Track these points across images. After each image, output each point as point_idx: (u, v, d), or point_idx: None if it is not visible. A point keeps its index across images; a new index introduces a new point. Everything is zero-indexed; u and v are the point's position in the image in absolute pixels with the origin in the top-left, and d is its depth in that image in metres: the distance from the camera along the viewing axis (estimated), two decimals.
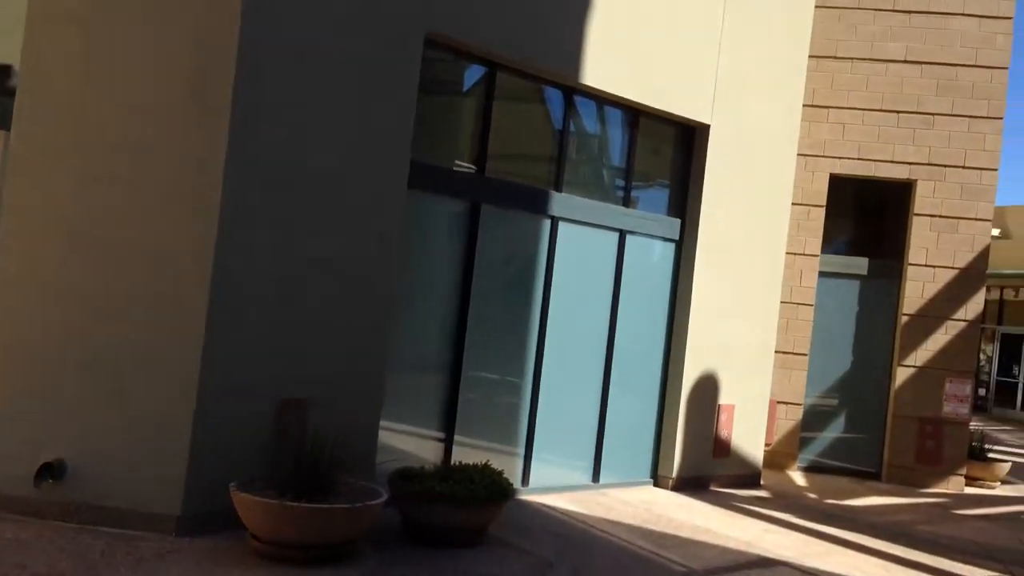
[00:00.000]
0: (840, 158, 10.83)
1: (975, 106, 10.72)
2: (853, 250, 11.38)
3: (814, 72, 10.59)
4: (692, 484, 8.86)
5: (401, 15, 6.56)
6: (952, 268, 10.71)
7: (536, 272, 7.94)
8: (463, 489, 5.94)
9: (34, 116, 5.95)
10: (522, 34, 7.41)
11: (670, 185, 9.11)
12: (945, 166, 10.74)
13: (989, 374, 24.68)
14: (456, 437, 7.35)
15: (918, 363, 10.70)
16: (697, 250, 8.84)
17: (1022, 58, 43.03)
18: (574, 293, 8.18)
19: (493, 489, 6.11)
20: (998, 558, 7.49)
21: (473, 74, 7.60)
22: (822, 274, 10.88)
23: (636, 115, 8.62)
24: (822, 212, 10.80)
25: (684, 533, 7.18)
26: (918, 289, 10.76)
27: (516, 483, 7.60)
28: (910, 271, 10.79)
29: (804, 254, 10.72)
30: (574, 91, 8.08)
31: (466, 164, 7.55)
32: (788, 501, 8.99)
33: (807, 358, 10.72)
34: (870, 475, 10.84)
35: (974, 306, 10.71)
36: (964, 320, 10.70)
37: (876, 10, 10.85)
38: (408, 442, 7.14)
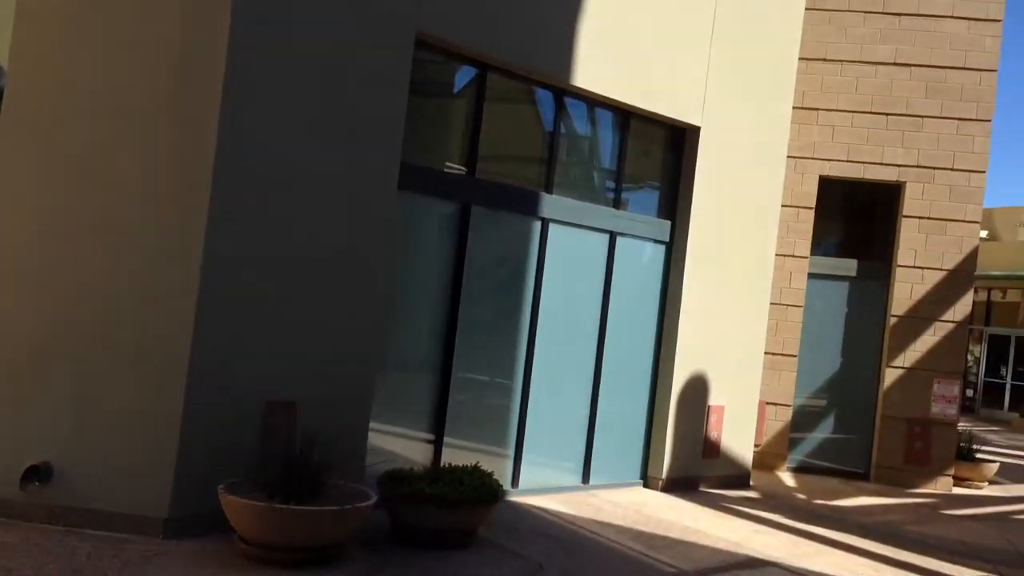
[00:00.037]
0: (830, 160, 10.87)
1: (964, 108, 10.78)
2: (842, 252, 11.42)
3: (804, 74, 10.63)
4: (682, 485, 8.87)
5: (392, 15, 6.54)
6: (940, 270, 10.76)
7: (526, 273, 7.94)
8: (452, 491, 5.93)
9: (22, 114, 5.93)
10: (513, 36, 7.40)
11: (660, 187, 9.12)
12: (934, 168, 10.79)
13: (977, 375, 24.82)
14: (446, 439, 7.34)
15: (906, 364, 10.75)
16: (687, 252, 8.86)
17: (1006, 62, 43.28)
18: (564, 295, 8.18)
19: (482, 491, 6.10)
20: (986, 558, 7.52)
21: (464, 75, 7.59)
22: (811, 276, 10.92)
23: (626, 117, 8.62)
24: (811, 214, 10.83)
25: (674, 534, 7.19)
26: (907, 290, 10.81)
27: (506, 484, 7.59)
28: (899, 273, 10.84)
29: (793, 256, 10.75)
30: (565, 93, 8.08)
31: (457, 166, 7.54)
32: (777, 502, 9.01)
33: (796, 359, 10.75)
34: (859, 475, 10.89)
35: (962, 307, 10.76)
36: (952, 321, 10.75)
37: (866, 12, 10.89)
38: (397, 444, 7.12)
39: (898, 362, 10.77)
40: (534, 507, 7.52)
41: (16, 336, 5.80)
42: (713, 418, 9.13)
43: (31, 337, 5.80)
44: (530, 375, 7.91)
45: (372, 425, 6.68)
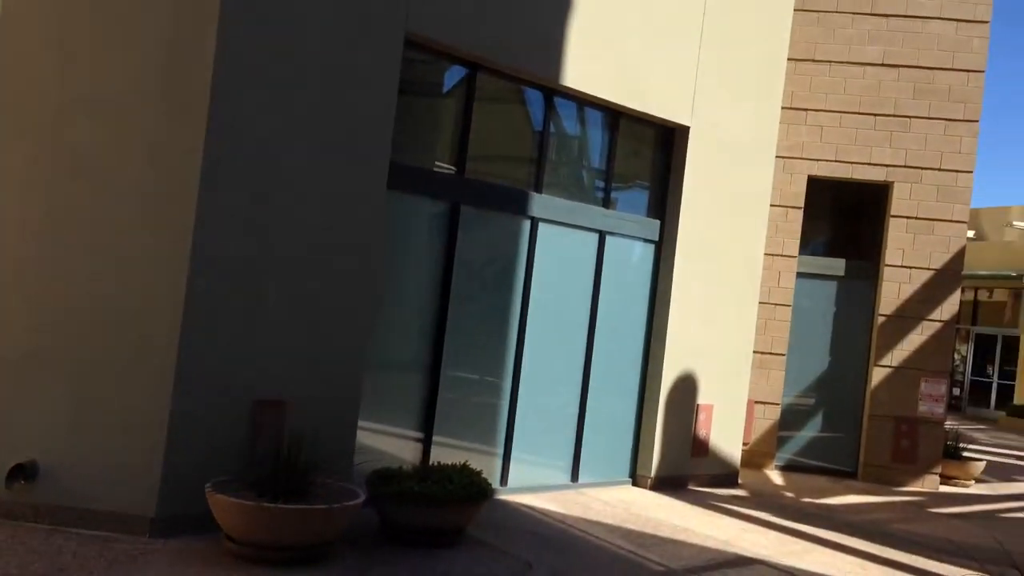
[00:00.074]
0: (818, 160, 10.91)
1: (951, 109, 10.83)
2: (830, 251, 11.47)
3: (793, 75, 10.66)
4: (670, 483, 8.89)
5: (381, 15, 6.53)
6: (928, 269, 10.82)
7: (516, 273, 7.94)
8: (441, 489, 5.93)
9: (10, 114, 5.89)
10: (503, 36, 7.40)
11: (650, 186, 9.14)
12: (921, 168, 10.85)
13: (963, 374, 24.97)
14: (435, 437, 7.33)
15: (894, 363, 10.80)
16: (676, 251, 8.88)
17: (994, 63, 43.56)
18: (554, 294, 8.18)
19: (471, 489, 6.10)
20: (973, 556, 7.56)
21: (453, 75, 7.59)
22: (800, 275, 10.96)
23: (616, 117, 8.63)
24: (800, 213, 10.87)
25: (663, 532, 7.20)
26: (894, 290, 10.86)
27: (495, 483, 7.59)
28: (886, 272, 10.89)
29: (782, 255, 10.79)
30: (554, 92, 8.08)
31: (446, 165, 7.53)
32: (765, 500, 9.04)
33: (784, 358, 10.79)
34: (846, 474, 10.93)
35: (949, 307, 10.82)
36: (939, 320, 10.81)
37: (854, 14, 10.94)
38: (386, 442, 7.11)
39: (886, 361, 10.82)
40: (523, 505, 7.53)
41: (3, 336, 5.77)
42: (702, 417, 9.16)
43: (19, 337, 5.76)
44: (519, 374, 7.92)
45: (361, 424, 6.67)
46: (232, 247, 5.84)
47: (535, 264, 8.00)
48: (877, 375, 10.83)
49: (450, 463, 6.45)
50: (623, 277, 8.77)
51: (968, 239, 11.54)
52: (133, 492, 5.55)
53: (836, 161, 10.90)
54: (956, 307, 10.90)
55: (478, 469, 6.46)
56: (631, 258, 8.91)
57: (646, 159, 9.14)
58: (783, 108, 10.30)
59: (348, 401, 6.51)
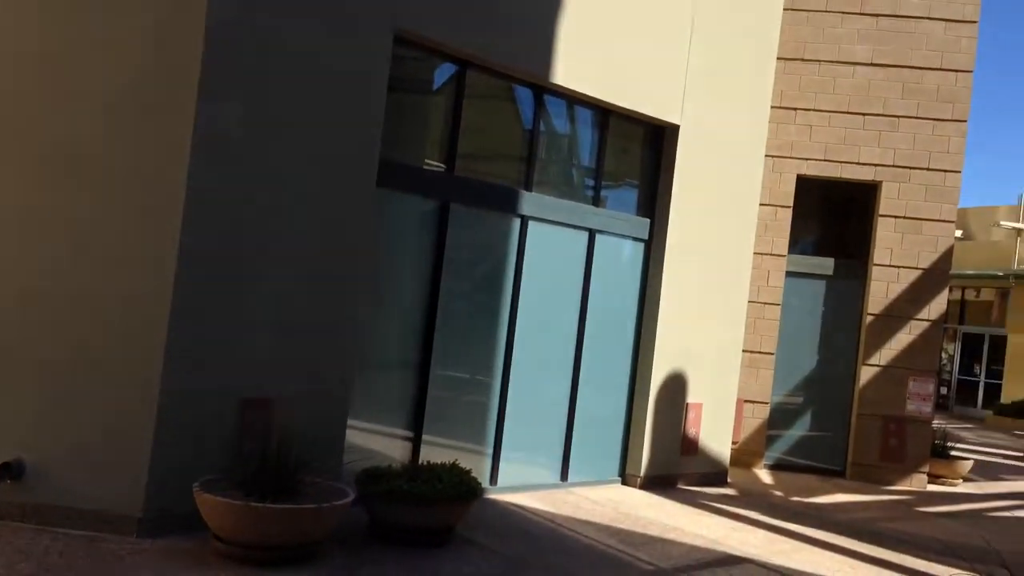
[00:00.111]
0: (807, 159, 10.93)
1: (940, 109, 10.87)
2: (819, 250, 11.50)
3: (782, 74, 10.68)
4: (660, 482, 8.89)
5: (370, 11, 6.50)
6: (916, 268, 10.86)
7: (505, 271, 7.92)
8: (430, 488, 5.91)
9: None
10: (492, 33, 7.38)
11: (639, 185, 9.14)
12: (910, 168, 10.89)
13: (951, 373, 25.10)
14: (424, 436, 7.31)
15: (882, 362, 10.84)
16: (666, 250, 8.88)
17: (982, 63, 43.80)
18: (543, 292, 8.17)
19: (461, 488, 6.09)
20: (962, 555, 7.59)
21: (443, 73, 7.57)
22: (789, 274, 10.98)
23: (606, 115, 8.63)
24: (789, 212, 10.89)
25: (652, 531, 7.20)
26: (883, 289, 10.90)
27: (484, 482, 7.57)
28: (875, 271, 10.93)
29: (771, 254, 10.81)
30: (544, 90, 8.06)
31: (436, 163, 7.51)
32: (755, 499, 9.06)
33: (774, 357, 10.81)
34: (835, 473, 10.97)
35: (937, 306, 10.86)
36: (927, 320, 10.85)
37: (843, 13, 10.97)
38: (376, 441, 7.09)
39: (874, 360, 10.85)
40: (513, 505, 7.51)
41: None
42: (691, 416, 9.16)
43: (3, 336, 5.71)
44: (509, 372, 7.90)
45: (350, 423, 6.64)
46: (219, 244, 5.80)
47: (525, 262, 7.98)
48: (865, 374, 10.87)
49: (440, 462, 6.43)
50: (613, 275, 8.77)
51: (956, 239, 11.59)
52: (120, 491, 5.51)
53: (825, 160, 10.92)
54: (944, 306, 10.94)
55: (468, 468, 6.45)
56: (621, 256, 8.90)
57: (636, 157, 9.14)
58: (772, 107, 10.32)
59: (337, 400, 6.48)
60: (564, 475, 8.42)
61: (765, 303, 10.77)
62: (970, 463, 11.78)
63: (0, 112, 5.87)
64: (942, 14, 10.89)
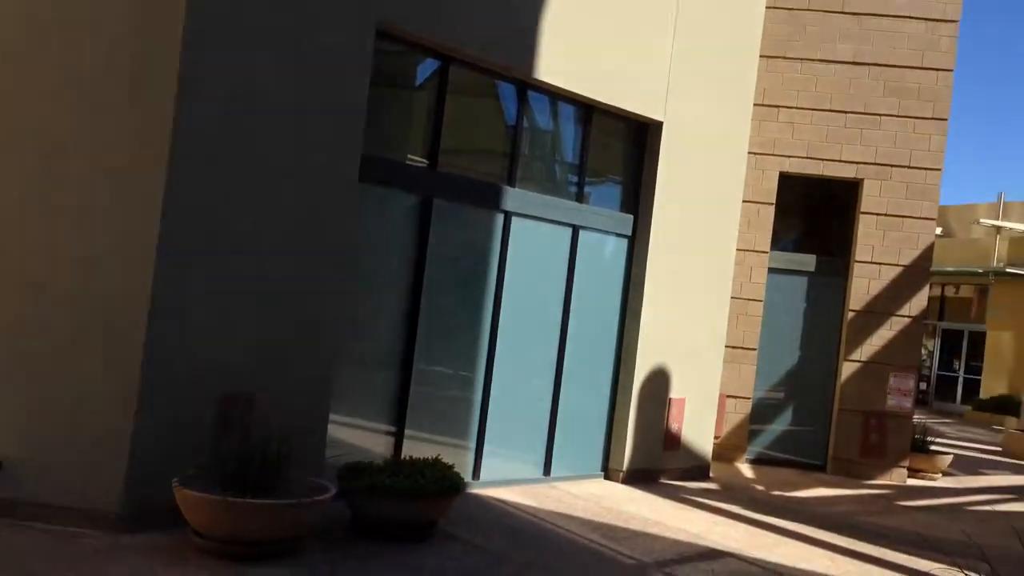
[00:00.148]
0: (790, 156, 10.98)
1: (920, 107, 10.95)
2: (801, 247, 11.56)
3: (765, 72, 10.72)
4: (642, 477, 8.92)
5: (352, 4, 6.47)
6: (897, 266, 10.94)
7: (489, 267, 7.92)
8: (413, 483, 5.90)
9: None
10: (475, 28, 7.37)
11: (623, 181, 9.15)
12: (891, 166, 10.96)
13: (931, 368, 25.33)
14: (407, 431, 7.30)
15: (863, 358, 10.91)
16: (649, 246, 8.90)
17: (963, 63, 44.17)
18: (527, 288, 8.17)
19: (443, 483, 6.08)
20: (941, 549, 7.63)
21: (426, 68, 7.54)
22: (771, 270, 11.03)
23: (589, 111, 8.63)
24: (772, 209, 10.95)
25: (634, 526, 7.22)
26: (864, 286, 10.97)
27: (467, 477, 7.58)
28: (856, 268, 10.99)
29: (754, 251, 10.86)
30: (528, 86, 8.06)
31: (419, 158, 7.49)
32: (736, 493, 9.10)
33: (756, 353, 10.87)
34: (816, 467, 11.04)
35: (918, 302, 10.95)
36: (908, 316, 10.94)
37: (825, 12, 11.02)
38: (358, 436, 7.07)
39: (855, 356, 10.93)
40: (495, 499, 7.52)
41: None
42: (674, 411, 9.19)
43: None
44: (492, 368, 7.90)
45: (332, 417, 6.63)
46: (200, 239, 5.76)
47: (508, 258, 7.98)
48: (847, 370, 10.94)
49: (422, 457, 6.42)
50: (596, 271, 8.78)
51: (936, 236, 11.68)
52: (98, 487, 5.47)
53: (807, 158, 10.98)
54: (924, 303, 11.04)
55: (450, 463, 6.44)
56: (604, 252, 8.92)
57: (619, 154, 9.15)
58: (755, 105, 10.36)
59: (319, 395, 6.46)
60: (547, 470, 8.43)
61: (748, 299, 10.82)
62: (949, 458, 11.88)
63: None
64: (923, 13, 10.96)
